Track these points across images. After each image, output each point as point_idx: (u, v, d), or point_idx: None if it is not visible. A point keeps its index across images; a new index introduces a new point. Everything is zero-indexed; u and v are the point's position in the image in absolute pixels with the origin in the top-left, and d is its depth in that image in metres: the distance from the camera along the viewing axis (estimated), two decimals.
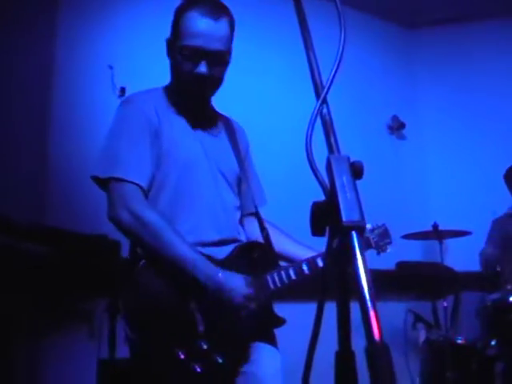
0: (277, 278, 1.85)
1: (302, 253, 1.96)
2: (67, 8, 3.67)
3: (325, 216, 0.91)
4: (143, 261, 1.76)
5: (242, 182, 2.04)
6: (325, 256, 1.76)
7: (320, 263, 1.87)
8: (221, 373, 1.72)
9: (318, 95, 1.00)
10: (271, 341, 1.91)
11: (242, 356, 1.79)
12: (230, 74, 1.94)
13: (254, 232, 2.03)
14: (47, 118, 3.50)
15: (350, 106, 4.58)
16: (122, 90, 3.62)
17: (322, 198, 0.92)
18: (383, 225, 2.13)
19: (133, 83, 3.35)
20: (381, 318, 0.79)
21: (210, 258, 1.78)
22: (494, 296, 3.66)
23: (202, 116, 1.99)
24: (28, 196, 3.25)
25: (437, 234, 3.90)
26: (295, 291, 1.85)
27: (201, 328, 1.71)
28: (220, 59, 1.85)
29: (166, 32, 1.92)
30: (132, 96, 1.97)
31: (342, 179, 0.88)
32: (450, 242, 4.23)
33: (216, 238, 1.87)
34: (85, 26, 3.68)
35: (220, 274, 1.72)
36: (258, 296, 1.77)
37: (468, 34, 5.31)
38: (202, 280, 1.70)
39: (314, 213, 0.93)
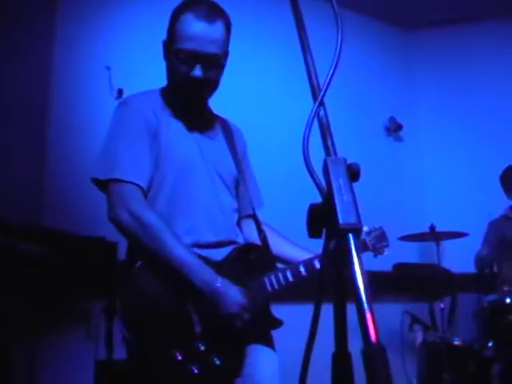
0: (274, 280, 1.85)
1: (299, 255, 1.96)
2: (66, 9, 3.67)
3: (321, 218, 0.91)
4: (140, 262, 1.76)
5: (239, 184, 2.04)
6: (321, 258, 1.77)
7: (317, 265, 1.87)
8: (218, 374, 1.72)
9: (315, 97, 1.00)
10: (268, 343, 1.91)
11: (240, 358, 1.79)
12: (227, 75, 1.94)
13: (251, 234, 2.03)
14: (45, 119, 3.50)
15: (347, 108, 4.58)
16: (120, 91, 3.62)
17: (318, 200, 0.93)
18: (380, 227, 2.14)
19: (130, 85, 3.36)
20: (378, 320, 0.79)
21: (207, 259, 1.78)
22: (491, 297, 3.68)
23: (198, 118, 1.99)
24: (26, 197, 3.25)
25: (434, 236, 3.91)
26: (292, 292, 1.86)
27: (198, 329, 1.71)
28: (215, 62, 1.85)
29: (164, 34, 1.92)
30: (129, 98, 1.97)
31: (339, 181, 0.89)
32: (446, 244, 4.24)
33: (213, 239, 1.87)
34: (83, 27, 3.69)
35: (218, 284, 1.72)
36: (253, 306, 1.77)
37: (465, 35, 5.33)
38: (198, 285, 1.70)
39: (311, 215, 0.93)
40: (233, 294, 1.73)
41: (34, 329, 3.03)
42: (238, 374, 1.78)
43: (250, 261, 1.89)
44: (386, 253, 2.12)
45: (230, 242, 1.91)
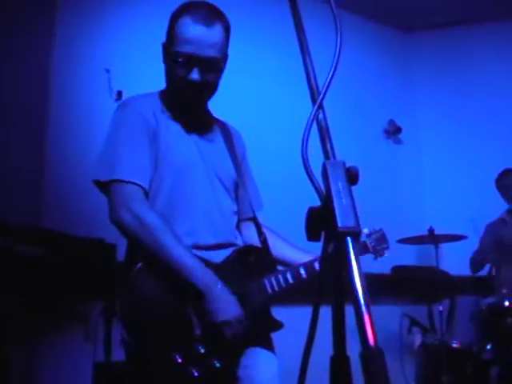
0: (274, 282, 1.85)
1: (299, 257, 1.96)
2: (66, 9, 3.67)
3: (320, 221, 0.91)
4: (140, 264, 1.76)
5: (239, 187, 2.04)
6: (320, 260, 1.77)
7: (317, 267, 1.87)
8: (218, 377, 1.72)
9: (314, 100, 1.00)
10: (268, 346, 1.90)
11: (239, 360, 1.79)
12: (226, 77, 1.94)
13: (251, 237, 2.03)
14: (45, 119, 3.51)
15: (346, 110, 4.59)
16: (119, 93, 3.63)
17: (317, 203, 0.93)
18: (380, 229, 2.14)
19: (129, 87, 3.36)
20: (376, 323, 0.79)
21: (206, 261, 1.78)
22: (490, 300, 3.68)
23: (197, 121, 1.98)
24: (25, 198, 3.25)
25: (432, 239, 3.91)
26: (291, 295, 1.86)
27: (198, 332, 1.71)
28: (213, 66, 1.84)
29: (163, 36, 1.92)
30: (129, 100, 1.97)
31: (338, 185, 0.89)
32: (445, 247, 4.24)
33: (212, 241, 1.87)
34: (83, 27, 3.69)
35: (219, 286, 1.71)
36: (249, 317, 1.77)
37: (464, 37, 5.33)
38: (200, 288, 1.69)
39: (310, 218, 0.93)
40: (229, 302, 1.72)
41: (33, 330, 3.03)
42: (237, 377, 1.78)
43: (250, 263, 1.89)
44: (386, 255, 2.13)
45: (230, 245, 1.91)
